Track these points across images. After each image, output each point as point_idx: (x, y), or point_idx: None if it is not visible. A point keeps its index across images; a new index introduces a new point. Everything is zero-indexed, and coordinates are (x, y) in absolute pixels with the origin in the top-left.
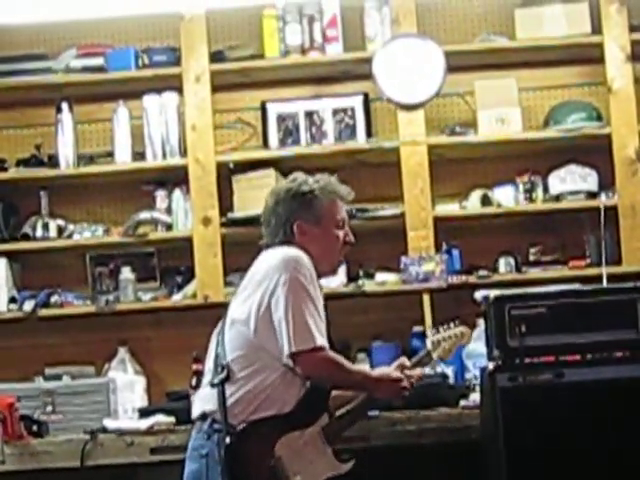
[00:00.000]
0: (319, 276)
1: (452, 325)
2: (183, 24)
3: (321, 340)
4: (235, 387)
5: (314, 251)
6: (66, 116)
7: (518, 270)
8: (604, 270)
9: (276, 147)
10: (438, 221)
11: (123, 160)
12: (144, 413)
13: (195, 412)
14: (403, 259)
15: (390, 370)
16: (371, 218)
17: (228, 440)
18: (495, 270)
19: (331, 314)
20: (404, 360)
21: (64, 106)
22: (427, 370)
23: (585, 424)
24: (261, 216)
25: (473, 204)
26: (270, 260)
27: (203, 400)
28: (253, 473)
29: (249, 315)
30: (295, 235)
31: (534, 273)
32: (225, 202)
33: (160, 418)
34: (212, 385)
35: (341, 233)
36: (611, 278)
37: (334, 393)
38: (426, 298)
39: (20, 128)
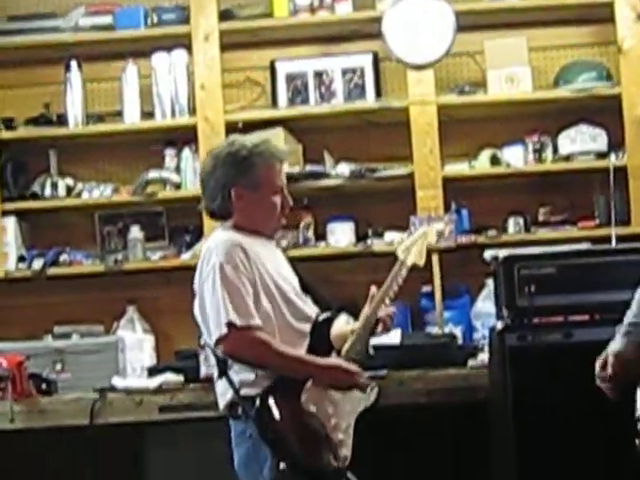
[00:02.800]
0: (263, 235)
1: (413, 230)
2: None
3: (241, 320)
4: (237, 369)
5: (252, 215)
6: (75, 75)
7: (527, 230)
8: (613, 230)
9: (285, 106)
10: (447, 181)
11: (132, 119)
12: (153, 372)
13: (221, 407)
14: (412, 219)
15: (342, 362)
16: (380, 178)
17: (258, 404)
18: (504, 230)
19: (339, 274)
20: (373, 289)
21: (73, 65)
22: (435, 330)
23: (593, 384)
24: (199, 178)
25: (482, 164)
26: (202, 256)
27: (221, 393)
28: (291, 433)
29: (202, 317)
30: (232, 200)
31: (543, 233)
32: None
33: (169, 377)
34: (219, 377)
35: (279, 199)
36: (620, 238)
37: (333, 333)
38: (435, 258)
39: (29, 87)
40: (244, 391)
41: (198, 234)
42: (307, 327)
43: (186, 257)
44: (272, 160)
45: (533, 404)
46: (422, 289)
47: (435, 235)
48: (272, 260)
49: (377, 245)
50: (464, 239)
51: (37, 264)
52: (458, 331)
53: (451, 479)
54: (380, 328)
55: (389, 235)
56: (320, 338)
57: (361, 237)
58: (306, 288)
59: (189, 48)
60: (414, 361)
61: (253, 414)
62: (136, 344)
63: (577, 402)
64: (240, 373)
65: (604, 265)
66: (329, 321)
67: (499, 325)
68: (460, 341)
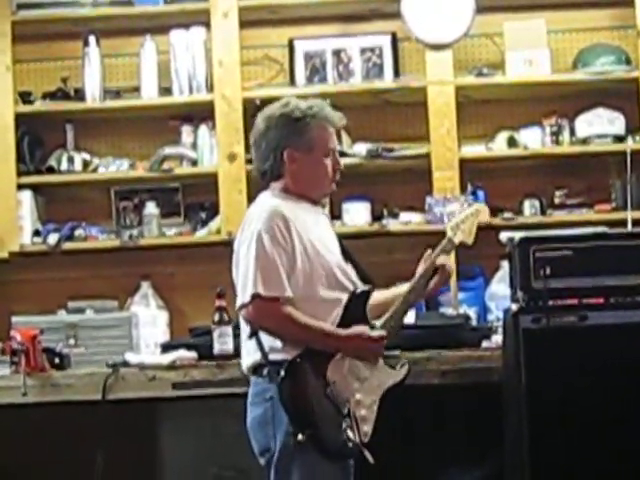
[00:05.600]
0: (311, 200)
1: (465, 206)
2: None
3: (268, 291)
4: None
5: (303, 178)
6: (93, 50)
7: (543, 213)
8: (629, 214)
9: (303, 85)
10: (464, 162)
11: (149, 95)
12: (166, 348)
13: (246, 365)
14: (428, 199)
15: (365, 329)
16: (397, 158)
17: (283, 373)
18: (520, 212)
19: (355, 253)
20: (428, 252)
21: (91, 40)
22: (449, 311)
23: (607, 367)
24: (250, 139)
25: (499, 146)
26: (245, 218)
27: (248, 353)
28: (313, 405)
29: (236, 278)
30: (285, 162)
31: (559, 216)
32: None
33: (182, 353)
34: (250, 337)
35: (330, 162)
36: (636, 222)
37: (370, 305)
38: None
39: (47, 61)
40: (272, 356)
41: (214, 211)
42: (343, 296)
43: (201, 234)
44: (325, 123)
45: (546, 386)
46: None
47: (488, 213)
48: (316, 227)
49: (393, 225)
50: None
51: (52, 239)
52: (472, 312)
53: (464, 461)
54: (439, 277)
55: (405, 215)
56: (355, 311)
57: (377, 217)
58: (347, 258)
59: (207, 25)
60: (428, 341)
61: (278, 381)
62: (150, 320)
63: (590, 385)
64: (271, 339)
65: (620, 248)
66: (366, 295)
67: (514, 307)
68: (474, 322)
